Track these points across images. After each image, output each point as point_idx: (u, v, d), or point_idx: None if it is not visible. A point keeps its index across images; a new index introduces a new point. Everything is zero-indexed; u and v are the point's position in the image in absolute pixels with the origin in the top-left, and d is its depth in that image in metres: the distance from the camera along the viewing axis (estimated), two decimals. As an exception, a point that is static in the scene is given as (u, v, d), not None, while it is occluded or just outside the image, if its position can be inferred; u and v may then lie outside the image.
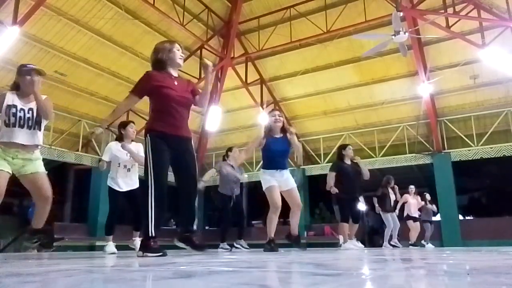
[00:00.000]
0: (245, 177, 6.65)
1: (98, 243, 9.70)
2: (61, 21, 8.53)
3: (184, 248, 3.07)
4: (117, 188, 4.72)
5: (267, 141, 4.63)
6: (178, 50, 3.17)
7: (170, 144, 2.95)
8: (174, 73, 3.17)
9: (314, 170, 12.76)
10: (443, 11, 8.65)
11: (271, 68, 11.92)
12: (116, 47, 9.71)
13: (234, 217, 6.43)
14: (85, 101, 10.26)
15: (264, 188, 4.60)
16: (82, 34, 9.00)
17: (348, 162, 6.27)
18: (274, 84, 12.25)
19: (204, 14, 10.51)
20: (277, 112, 4.79)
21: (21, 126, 3.22)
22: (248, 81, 11.73)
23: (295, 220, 4.76)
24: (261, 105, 11.79)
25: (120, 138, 4.83)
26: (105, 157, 4.77)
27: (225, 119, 12.12)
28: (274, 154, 4.63)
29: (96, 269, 1.76)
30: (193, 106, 3.22)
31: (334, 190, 5.98)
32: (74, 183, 14.18)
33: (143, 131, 3.06)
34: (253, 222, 17.88)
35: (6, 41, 7.27)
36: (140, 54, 10.17)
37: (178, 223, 3.12)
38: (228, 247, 6.14)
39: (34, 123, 3.29)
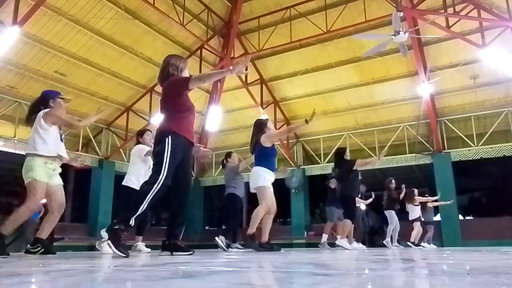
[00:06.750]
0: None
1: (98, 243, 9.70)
2: (61, 21, 8.51)
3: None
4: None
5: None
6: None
7: (183, 148, 3.13)
8: None
9: (314, 170, 12.77)
10: (443, 11, 8.63)
11: (271, 68, 11.90)
12: (116, 47, 9.69)
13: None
14: (85, 101, 10.24)
15: (263, 185, 4.56)
16: (82, 34, 8.99)
17: None
18: (274, 84, 12.23)
19: (204, 14, 10.50)
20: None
21: (62, 140, 3.74)
22: (248, 81, 11.72)
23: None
24: (261, 105, 11.79)
25: (138, 144, 5.30)
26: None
27: (225, 119, 12.12)
28: (275, 157, 4.75)
29: (96, 269, 1.76)
30: None
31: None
32: (74, 183, 14.19)
33: (162, 129, 3.18)
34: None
35: (6, 41, 7.25)
36: (140, 54, 10.17)
37: (168, 228, 3.17)
38: (241, 247, 6.11)
39: (62, 137, 3.75)
